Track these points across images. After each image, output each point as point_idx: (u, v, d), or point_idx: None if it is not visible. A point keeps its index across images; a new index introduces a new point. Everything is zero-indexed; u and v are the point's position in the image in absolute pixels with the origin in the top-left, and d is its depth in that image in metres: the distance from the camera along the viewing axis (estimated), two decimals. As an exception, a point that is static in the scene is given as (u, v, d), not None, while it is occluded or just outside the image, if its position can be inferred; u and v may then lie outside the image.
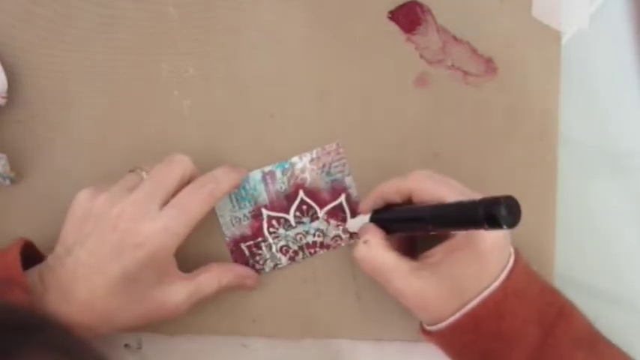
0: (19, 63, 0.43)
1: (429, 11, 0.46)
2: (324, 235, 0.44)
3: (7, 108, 0.43)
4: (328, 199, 0.44)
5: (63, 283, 0.36)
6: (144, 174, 0.39)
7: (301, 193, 0.44)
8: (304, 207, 0.44)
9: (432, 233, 0.38)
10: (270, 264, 0.44)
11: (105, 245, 0.36)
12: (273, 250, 0.44)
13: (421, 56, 0.45)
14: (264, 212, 0.44)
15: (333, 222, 0.44)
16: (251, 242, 0.44)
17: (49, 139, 0.43)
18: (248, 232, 0.44)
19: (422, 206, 0.38)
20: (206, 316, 0.43)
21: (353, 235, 0.44)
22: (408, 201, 0.39)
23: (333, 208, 0.44)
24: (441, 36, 0.45)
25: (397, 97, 0.45)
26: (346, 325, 0.44)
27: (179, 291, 0.39)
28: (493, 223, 0.31)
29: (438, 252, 0.39)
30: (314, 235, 0.44)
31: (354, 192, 0.44)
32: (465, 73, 0.46)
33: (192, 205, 0.38)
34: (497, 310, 0.37)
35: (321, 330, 0.44)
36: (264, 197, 0.44)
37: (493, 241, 0.37)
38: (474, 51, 0.46)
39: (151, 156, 0.43)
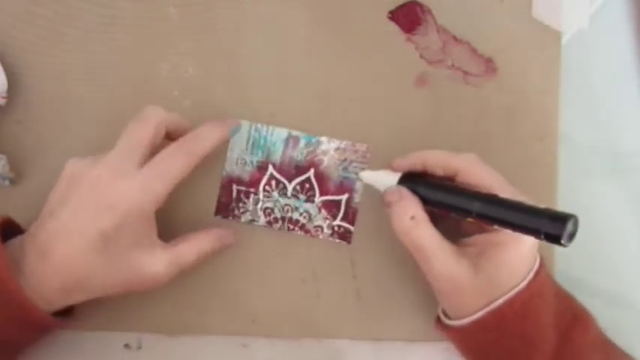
0: (19, 63, 0.43)
1: (429, 11, 0.46)
2: (310, 219, 0.44)
3: (7, 108, 0.43)
4: (332, 190, 0.44)
5: (42, 243, 0.36)
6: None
7: (311, 172, 0.44)
8: (307, 185, 0.44)
9: (469, 220, 0.37)
10: (248, 216, 0.44)
11: (84, 206, 0.36)
12: (258, 206, 0.44)
13: (421, 56, 0.45)
14: (270, 169, 0.44)
15: (324, 212, 0.44)
16: (243, 188, 0.44)
17: (49, 139, 0.43)
18: (246, 178, 0.44)
19: (471, 192, 0.36)
20: (206, 316, 0.43)
21: (336, 232, 0.44)
22: (450, 178, 0.39)
23: (332, 201, 0.44)
24: (441, 36, 0.45)
25: (397, 97, 0.45)
26: (346, 325, 0.44)
27: (158, 258, 0.37)
28: (553, 238, 0.31)
29: (479, 242, 0.38)
30: (301, 214, 0.44)
31: (357, 197, 0.44)
32: (465, 73, 0.46)
33: (171, 164, 0.37)
34: (522, 310, 0.37)
35: (321, 330, 0.44)
36: (277, 156, 0.44)
37: (532, 242, 0.37)
38: (474, 51, 0.46)
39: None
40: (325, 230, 0.44)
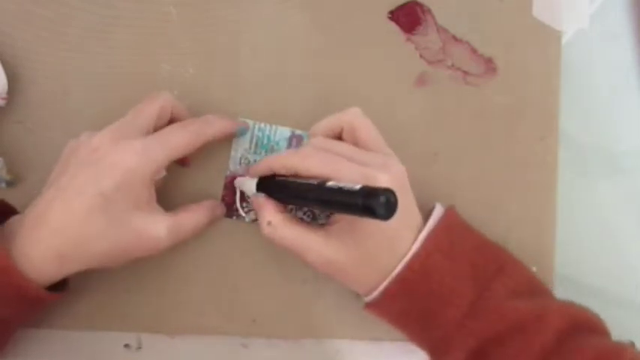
0: (19, 63, 0.43)
1: (429, 11, 0.46)
2: (314, 218, 0.44)
3: (7, 108, 0.43)
4: None
5: (38, 210, 0.36)
6: None
7: None
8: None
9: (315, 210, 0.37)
10: (252, 215, 0.44)
11: (84, 169, 0.36)
12: None
13: (421, 56, 0.45)
14: None
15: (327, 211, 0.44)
16: None
17: (49, 139, 0.43)
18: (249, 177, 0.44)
19: (306, 184, 0.37)
20: (206, 316, 0.43)
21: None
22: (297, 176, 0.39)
23: None
24: (441, 36, 0.45)
25: (397, 97, 0.45)
26: (346, 325, 0.44)
27: (159, 223, 0.37)
28: (370, 212, 0.32)
29: (341, 217, 0.39)
30: (305, 213, 0.44)
31: None
32: (465, 73, 0.46)
33: (174, 137, 0.38)
34: (422, 270, 0.37)
35: (321, 330, 0.44)
36: None
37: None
38: (474, 51, 0.46)
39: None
40: None
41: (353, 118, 0.40)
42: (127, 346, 0.43)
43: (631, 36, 0.47)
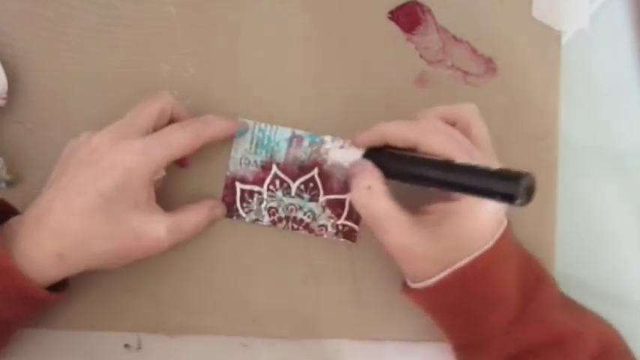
0: (19, 63, 0.43)
1: (429, 11, 0.46)
2: (314, 218, 0.44)
3: (7, 108, 0.43)
4: (335, 189, 0.44)
5: (39, 210, 0.36)
6: None
7: (315, 171, 0.44)
8: (311, 184, 0.44)
9: (431, 190, 0.37)
10: (252, 216, 0.44)
11: (83, 169, 0.36)
12: (262, 205, 0.44)
13: (421, 56, 0.45)
14: (275, 169, 0.44)
15: (328, 211, 0.44)
16: (247, 187, 0.44)
17: (49, 139, 0.43)
18: (250, 177, 0.44)
19: (429, 161, 0.36)
20: (206, 316, 0.43)
21: (340, 231, 0.44)
22: (412, 149, 0.38)
23: (336, 200, 0.44)
24: (441, 36, 0.46)
25: (397, 97, 0.45)
26: (346, 325, 0.44)
27: (159, 223, 0.37)
28: (508, 198, 0.30)
29: (437, 210, 0.38)
30: (305, 213, 0.44)
31: None
32: (465, 73, 0.46)
33: (174, 137, 0.37)
34: (484, 271, 0.37)
35: (321, 330, 0.44)
36: (281, 155, 0.44)
37: (494, 208, 0.37)
38: (474, 51, 0.46)
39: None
40: (329, 229, 0.44)
41: (470, 113, 0.39)
42: (126, 346, 0.43)
43: (631, 36, 0.47)
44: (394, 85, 0.45)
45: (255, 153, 0.44)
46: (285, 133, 0.44)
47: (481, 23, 0.46)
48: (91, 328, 0.43)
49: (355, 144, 0.41)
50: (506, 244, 0.38)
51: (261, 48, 0.45)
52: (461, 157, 0.36)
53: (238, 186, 0.44)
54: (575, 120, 0.46)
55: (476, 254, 0.37)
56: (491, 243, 0.37)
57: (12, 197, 0.41)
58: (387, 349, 0.44)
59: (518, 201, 0.30)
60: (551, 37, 0.46)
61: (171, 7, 0.44)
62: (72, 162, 0.37)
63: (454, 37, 0.46)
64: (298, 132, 0.44)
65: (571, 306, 0.41)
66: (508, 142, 0.45)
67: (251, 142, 0.44)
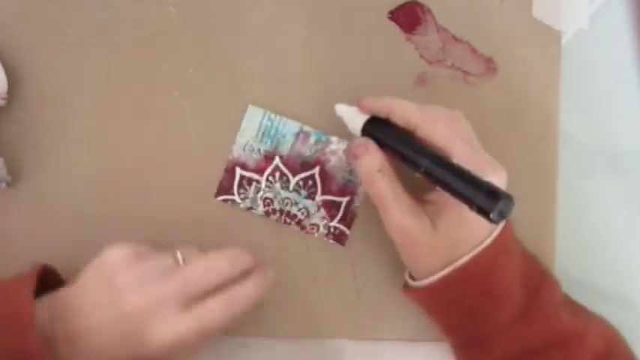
0: (19, 63, 0.43)
1: (429, 11, 0.46)
2: (307, 216, 0.44)
3: (7, 108, 0.43)
4: (334, 191, 0.44)
5: (84, 325, 0.34)
6: (179, 257, 0.37)
7: (316, 170, 0.44)
8: (310, 182, 0.44)
9: (417, 175, 0.37)
10: (247, 203, 0.44)
11: (116, 331, 0.34)
12: (259, 195, 0.44)
13: (421, 56, 0.45)
14: (277, 160, 0.44)
15: (322, 212, 0.44)
16: (247, 174, 0.44)
17: (49, 139, 0.43)
18: (251, 165, 0.44)
19: (424, 149, 0.37)
20: (206, 316, 0.43)
21: (331, 233, 0.44)
22: (411, 132, 0.39)
23: (332, 202, 0.44)
24: (441, 36, 0.45)
25: (397, 97, 0.45)
26: (346, 325, 0.44)
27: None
28: (483, 212, 0.32)
29: (438, 200, 0.38)
30: (299, 210, 0.44)
31: (358, 202, 0.44)
32: (465, 73, 0.46)
33: (217, 320, 0.36)
34: (487, 266, 0.37)
35: (321, 330, 0.44)
36: (286, 148, 0.44)
37: None
38: (474, 51, 0.46)
39: (150, 156, 0.43)
40: (321, 229, 0.44)
41: (428, 122, 0.39)
42: (127, 346, 0.43)
43: (631, 36, 0.47)
44: (394, 85, 0.45)
45: (261, 141, 0.44)
46: (293, 127, 0.44)
47: (481, 23, 0.46)
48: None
49: (361, 106, 0.41)
50: (509, 239, 0.39)
51: (261, 48, 0.45)
52: (458, 150, 0.37)
53: (238, 171, 0.44)
54: (575, 120, 0.46)
55: (478, 249, 0.37)
56: (492, 236, 0.37)
57: (12, 197, 0.41)
58: (387, 349, 0.44)
59: (491, 218, 0.31)
60: (551, 37, 0.46)
61: (171, 7, 0.44)
62: (106, 306, 0.35)
63: (454, 37, 0.46)
64: (306, 128, 0.44)
65: (574, 306, 0.41)
66: (508, 142, 0.45)
67: (258, 130, 0.44)
